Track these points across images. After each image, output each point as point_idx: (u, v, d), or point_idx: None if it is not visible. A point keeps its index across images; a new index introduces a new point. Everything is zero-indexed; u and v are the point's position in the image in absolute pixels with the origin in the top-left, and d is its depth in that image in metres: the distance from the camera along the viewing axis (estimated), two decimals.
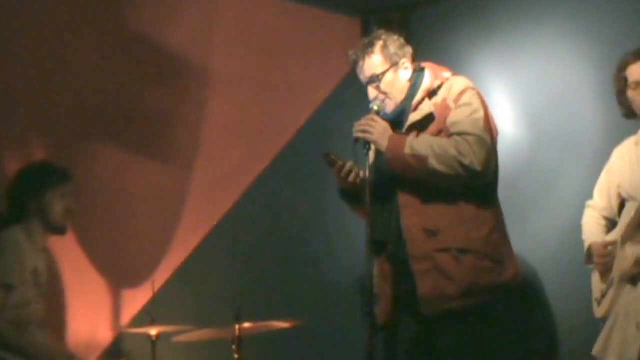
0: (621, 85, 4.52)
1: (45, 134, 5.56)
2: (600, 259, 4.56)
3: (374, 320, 4.20)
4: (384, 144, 4.37)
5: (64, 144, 5.59)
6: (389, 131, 4.41)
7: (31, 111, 5.47)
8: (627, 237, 4.42)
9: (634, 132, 4.61)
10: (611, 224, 4.70)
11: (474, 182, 4.29)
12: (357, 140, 4.43)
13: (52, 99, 5.51)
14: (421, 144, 4.30)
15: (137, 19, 5.71)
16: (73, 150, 5.62)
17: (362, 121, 4.45)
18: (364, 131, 4.40)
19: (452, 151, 4.22)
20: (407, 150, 4.29)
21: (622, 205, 4.63)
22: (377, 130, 4.40)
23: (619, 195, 4.63)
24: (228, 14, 6.01)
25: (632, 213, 4.41)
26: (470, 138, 4.25)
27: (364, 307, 4.16)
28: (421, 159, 4.25)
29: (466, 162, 4.21)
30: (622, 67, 4.51)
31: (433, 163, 4.23)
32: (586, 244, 4.68)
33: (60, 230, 5.09)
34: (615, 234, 4.55)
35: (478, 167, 4.22)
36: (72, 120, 5.60)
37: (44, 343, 4.95)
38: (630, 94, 4.47)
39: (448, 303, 4.27)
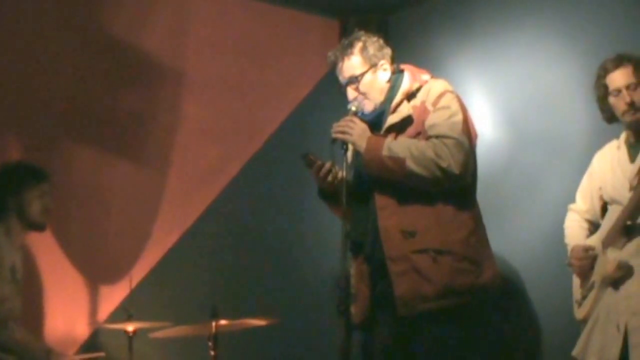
0: (602, 92, 4.56)
1: (22, 135, 5.56)
2: (577, 262, 4.61)
3: (349, 320, 4.19)
4: (362, 145, 4.39)
5: (41, 144, 5.58)
6: (368, 132, 4.43)
7: (8, 112, 5.46)
8: (610, 242, 4.46)
9: (615, 135, 4.65)
10: (593, 227, 4.74)
11: (451, 184, 4.30)
12: (334, 140, 4.45)
13: (29, 101, 5.50)
14: (399, 146, 4.32)
15: (112, 20, 5.70)
16: (50, 150, 5.61)
17: (341, 122, 4.46)
18: (342, 132, 4.42)
19: (430, 154, 4.24)
20: (385, 152, 4.31)
21: (604, 207, 4.68)
22: (356, 132, 4.41)
23: (601, 198, 4.67)
24: (203, 16, 6.02)
25: (615, 217, 4.46)
26: (448, 141, 4.27)
27: (340, 306, 4.15)
28: (399, 161, 4.27)
29: (444, 164, 4.23)
30: (602, 75, 4.55)
31: (411, 165, 4.26)
32: (569, 247, 4.73)
33: (39, 227, 5.12)
34: (597, 237, 4.60)
35: (456, 170, 4.24)
36: (49, 121, 5.59)
37: (21, 339, 4.96)
38: (612, 100, 4.51)
39: (425, 304, 4.28)
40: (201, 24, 6.02)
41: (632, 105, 4.44)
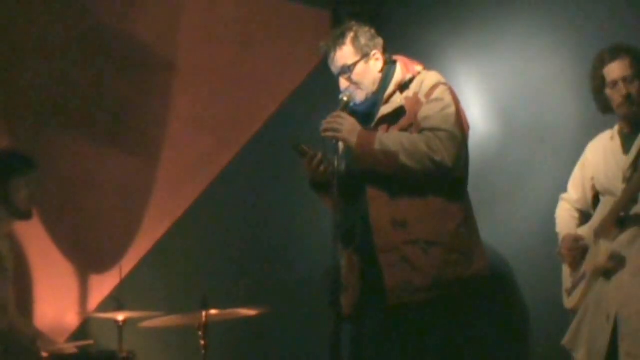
0: (598, 83, 4.56)
1: (11, 123, 5.55)
2: (568, 251, 4.62)
3: (339, 311, 4.19)
4: (353, 140, 4.35)
5: (30, 133, 5.58)
6: (358, 127, 4.40)
7: None
8: (602, 233, 4.47)
9: (608, 126, 4.66)
10: (584, 217, 4.75)
11: (444, 177, 4.29)
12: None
13: (18, 89, 5.50)
14: (391, 140, 4.30)
15: (103, 8, 5.70)
16: (39, 139, 5.61)
17: (329, 119, 4.42)
18: (332, 129, 4.37)
19: (423, 147, 4.23)
20: (377, 147, 4.29)
21: (596, 198, 4.69)
22: (346, 127, 4.38)
23: (593, 188, 4.68)
24: (195, 5, 6.01)
25: (607, 208, 4.47)
26: (441, 134, 4.26)
27: (330, 297, 4.15)
28: (391, 155, 4.25)
29: (437, 158, 4.22)
30: (599, 66, 4.55)
31: (403, 159, 4.24)
32: (560, 236, 4.74)
33: (25, 216, 5.10)
34: (588, 228, 4.61)
35: (449, 163, 4.24)
36: (39, 110, 5.59)
37: (6, 327, 4.96)
38: (608, 91, 4.52)
39: (414, 294, 4.28)
40: (193, 13, 6.01)
41: (628, 97, 4.44)
